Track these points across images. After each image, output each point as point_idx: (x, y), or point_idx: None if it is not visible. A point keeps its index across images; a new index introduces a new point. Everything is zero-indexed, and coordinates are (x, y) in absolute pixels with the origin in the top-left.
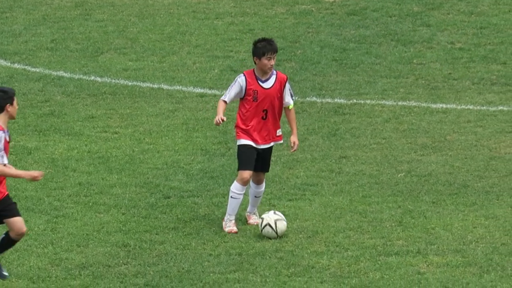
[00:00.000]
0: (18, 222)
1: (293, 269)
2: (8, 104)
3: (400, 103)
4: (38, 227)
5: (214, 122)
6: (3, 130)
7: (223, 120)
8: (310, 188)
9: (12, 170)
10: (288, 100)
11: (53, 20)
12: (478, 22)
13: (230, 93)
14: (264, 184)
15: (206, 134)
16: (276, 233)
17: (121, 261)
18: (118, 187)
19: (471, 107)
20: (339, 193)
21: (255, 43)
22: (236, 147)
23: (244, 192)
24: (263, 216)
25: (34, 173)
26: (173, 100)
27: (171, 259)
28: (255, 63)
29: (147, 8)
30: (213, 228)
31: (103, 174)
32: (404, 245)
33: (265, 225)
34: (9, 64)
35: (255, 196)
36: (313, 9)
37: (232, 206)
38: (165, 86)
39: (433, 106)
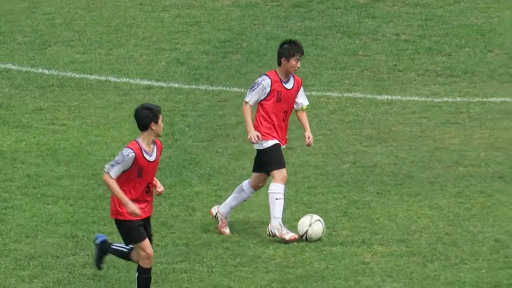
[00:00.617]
0: None
1: (239, 259)
2: (152, 123)
3: (345, 94)
4: None
5: (250, 140)
6: (133, 148)
7: (259, 138)
8: None
9: (117, 188)
10: (303, 101)
11: (0, 13)
12: (423, 14)
13: (253, 96)
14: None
15: None
16: (323, 228)
17: (69, 252)
18: (66, 178)
19: (416, 98)
20: (285, 184)
21: (283, 45)
22: (264, 149)
23: None
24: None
25: (135, 209)
26: (120, 92)
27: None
28: (280, 64)
29: (94, 1)
30: (160, 219)
31: (51, 166)
32: (349, 235)
33: (317, 220)
34: None
35: (244, 200)
36: (259, 1)
37: (281, 207)
38: (112, 79)
39: (378, 97)
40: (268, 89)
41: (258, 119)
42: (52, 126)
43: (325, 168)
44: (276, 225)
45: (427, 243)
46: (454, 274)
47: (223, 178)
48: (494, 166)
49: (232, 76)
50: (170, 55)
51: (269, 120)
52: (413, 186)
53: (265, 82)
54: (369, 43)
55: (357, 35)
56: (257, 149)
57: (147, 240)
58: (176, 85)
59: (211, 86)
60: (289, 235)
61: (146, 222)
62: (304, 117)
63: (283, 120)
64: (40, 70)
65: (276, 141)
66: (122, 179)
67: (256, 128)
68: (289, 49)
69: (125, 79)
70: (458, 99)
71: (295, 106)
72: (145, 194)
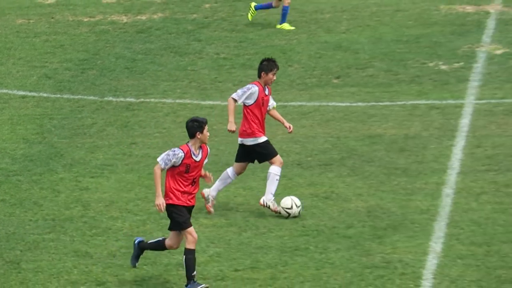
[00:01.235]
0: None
1: (95, 231)
2: (198, 132)
3: (177, 101)
4: None
5: (229, 129)
6: (185, 150)
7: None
8: (107, 167)
9: (157, 180)
10: (273, 102)
11: None
12: (238, 37)
13: (241, 97)
14: None
15: (26, 127)
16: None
17: None
18: None
19: None
20: (130, 171)
21: (263, 62)
22: (258, 144)
23: None
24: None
25: (159, 203)
26: (1, 100)
27: (0, 224)
28: (260, 76)
29: None
30: (32, 200)
31: None
32: None
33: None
34: None
35: (228, 183)
36: (110, 28)
37: (276, 186)
38: None
39: (203, 103)
40: (256, 95)
41: (249, 120)
42: None
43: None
44: (271, 199)
45: (242, 216)
46: (263, 241)
47: (82, 167)
48: (294, 156)
49: (89, 87)
50: (41, 71)
51: (257, 121)
52: None
53: (254, 89)
54: (196, 60)
55: (186, 54)
56: (248, 144)
57: (192, 226)
58: (45, 95)
59: (72, 95)
60: (275, 207)
61: (189, 211)
62: (277, 114)
63: (264, 119)
64: None
65: (265, 137)
66: (174, 171)
67: (250, 127)
68: (267, 65)
69: (4, 91)
70: None
71: (268, 107)
72: (191, 187)
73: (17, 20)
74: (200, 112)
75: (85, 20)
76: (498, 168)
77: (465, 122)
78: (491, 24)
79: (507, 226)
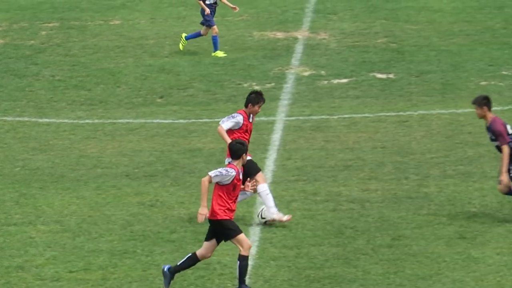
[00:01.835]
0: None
1: None
2: (244, 154)
3: (17, 118)
4: None
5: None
6: (236, 169)
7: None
8: None
9: (205, 191)
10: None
11: None
12: (71, 61)
13: (228, 124)
14: None
15: None
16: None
17: None
18: None
19: (66, 120)
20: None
21: (251, 94)
22: (248, 162)
23: None
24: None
25: (201, 214)
26: None
27: None
28: (247, 106)
29: None
30: None
31: None
32: (20, 218)
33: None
34: None
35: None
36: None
37: (271, 199)
38: None
39: (40, 120)
40: (241, 123)
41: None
42: None
43: (2, 170)
44: (274, 212)
45: (75, 223)
46: (95, 245)
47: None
48: (122, 168)
49: None
50: None
51: None
52: (65, 183)
53: (239, 118)
54: (33, 82)
55: (24, 76)
56: None
57: (243, 233)
58: None
59: None
60: (285, 217)
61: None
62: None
63: (248, 142)
64: None
65: (249, 157)
66: (222, 190)
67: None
68: (255, 98)
69: None
70: (96, 120)
71: None
72: (234, 204)
73: None
74: (38, 129)
75: None
76: (307, 178)
77: (276, 137)
78: (299, 48)
79: (315, 230)
